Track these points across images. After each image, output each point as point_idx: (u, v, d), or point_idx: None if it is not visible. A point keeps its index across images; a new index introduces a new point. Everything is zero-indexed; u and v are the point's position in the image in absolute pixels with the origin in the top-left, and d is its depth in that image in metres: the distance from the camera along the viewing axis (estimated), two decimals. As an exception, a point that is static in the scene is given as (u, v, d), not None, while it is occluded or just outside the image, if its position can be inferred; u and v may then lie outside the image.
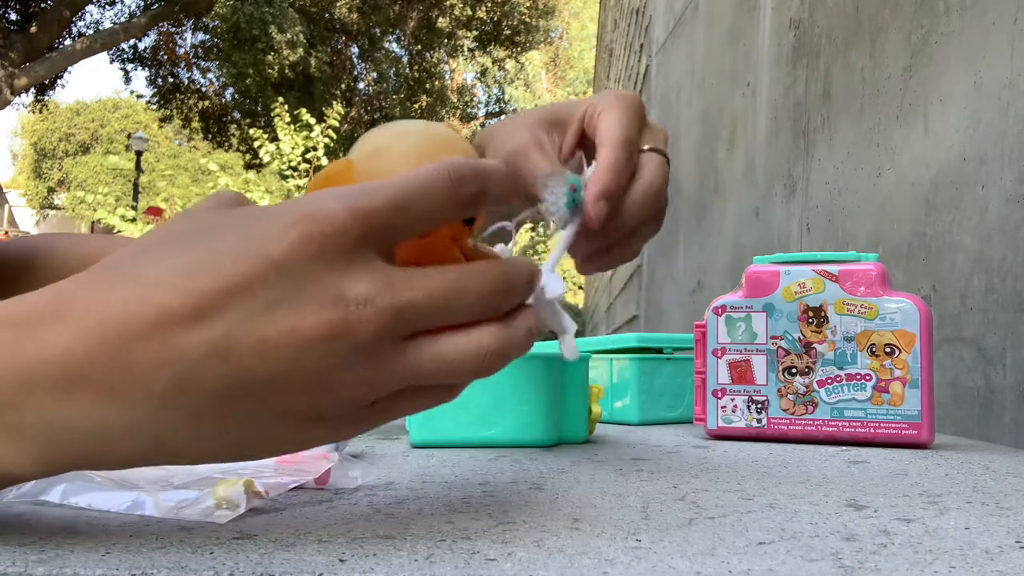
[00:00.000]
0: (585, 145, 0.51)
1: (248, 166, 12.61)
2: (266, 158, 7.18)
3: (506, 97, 21.71)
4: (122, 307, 0.27)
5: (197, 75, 15.23)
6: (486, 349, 0.30)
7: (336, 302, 0.28)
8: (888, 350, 0.64)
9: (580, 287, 16.54)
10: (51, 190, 26.32)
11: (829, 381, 0.66)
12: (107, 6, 13.74)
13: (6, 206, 24.08)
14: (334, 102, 7.63)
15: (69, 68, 11.28)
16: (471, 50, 17.87)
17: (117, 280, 0.28)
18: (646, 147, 0.49)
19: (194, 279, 0.28)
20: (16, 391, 0.27)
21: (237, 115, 15.24)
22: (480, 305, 0.30)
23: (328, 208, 0.28)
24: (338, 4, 15.48)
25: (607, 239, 0.47)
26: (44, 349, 0.27)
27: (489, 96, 22.50)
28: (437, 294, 0.29)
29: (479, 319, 0.30)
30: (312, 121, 6.97)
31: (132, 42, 13.38)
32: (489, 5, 16.52)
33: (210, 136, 15.43)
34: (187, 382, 0.27)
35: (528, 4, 16.96)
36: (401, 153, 0.34)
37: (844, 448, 0.63)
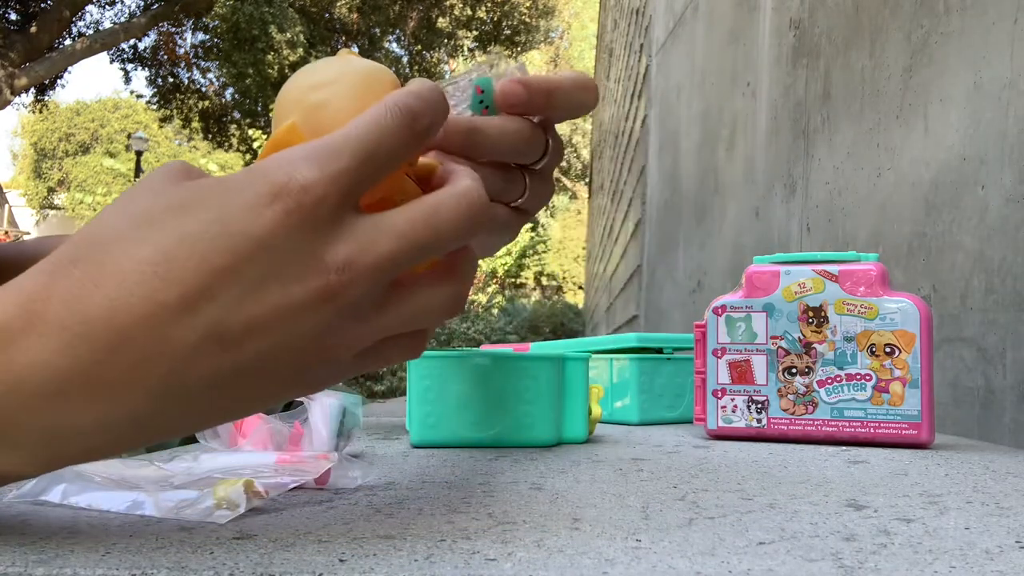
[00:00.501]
0: None
1: (248, 166, 12.59)
2: (266, 158, 7.17)
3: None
4: (106, 306, 0.26)
5: (197, 75, 15.24)
6: (456, 293, 0.32)
7: (320, 270, 0.28)
8: (888, 350, 0.64)
9: (580, 287, 16.53)
10: (51, 190, 26.32)
11: (829, 381, 0.66)
12: (107, 6, 13.74)
13: (6, 206, 24.07)
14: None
15: (69, 68, 11.28)
16: (471, 50, 17.86)
17: (91, 275, 0.27)
18: None
19: (177, 266, 0.27)
20: (2, 401, 0.27)
21: (237, 115, 15.24)
22: (451, 242, 0.31)
23: (303, 177, 0.28)
24: (338, 4, 15.48)
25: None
26: (24, 361, 0.27)
27: (489, 96, 22.42)
28: (411, 238, 0.29)
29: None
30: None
31: (132, 42, 13.37)
32: (489, 5, 16.52)
33: (210, 136, 15.44)
34: (181, 371, 0.27)
35: (528, 4, 16.96)
36: (342, 101, 0.33)
37: (844, 448, 0.63)
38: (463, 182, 0.31)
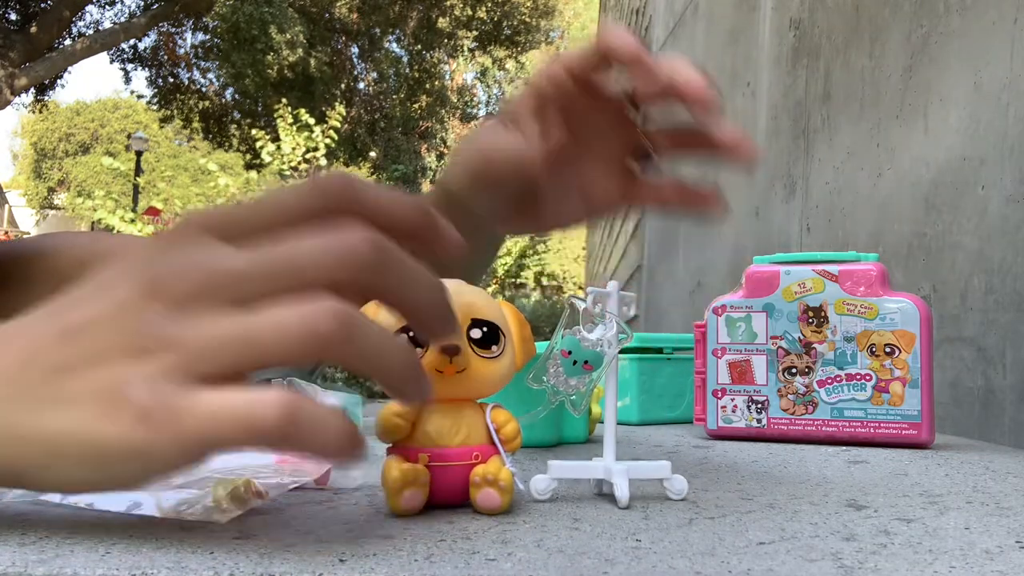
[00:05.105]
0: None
1: (248, 166, 12.59)
2: (267, 158, 7.17)
3: (506, 97, 21.67)
4: None
5: (197, 75, 15.24)
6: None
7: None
8: (888, 350, 0.64)
9: (581, 287, 16.51)
10: (51, 190, 26.31)
11: (829, 381, 0.66)
12: (107, 6, 13.74)
13: (6, 206, 24.06)
14: (336, 103, 7.61)
15: (69, 68, 11.27)
16: (471, 50, 17.86)
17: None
18: None
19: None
20: None
21: (237, 115, 15.23)
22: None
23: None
24: (338, 4, 15.47)
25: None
26: None
27: (489, 96, 22.49)
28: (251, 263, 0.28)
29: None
30: (312, 121, 6.96)
31: (132, 42, 13.37)
32: (489, 5, 16.51)
33: (210, 136, 15.42)
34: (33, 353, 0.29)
35: (528, 4, 16.95)
36: None
37: (844, 448, 0.63)
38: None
